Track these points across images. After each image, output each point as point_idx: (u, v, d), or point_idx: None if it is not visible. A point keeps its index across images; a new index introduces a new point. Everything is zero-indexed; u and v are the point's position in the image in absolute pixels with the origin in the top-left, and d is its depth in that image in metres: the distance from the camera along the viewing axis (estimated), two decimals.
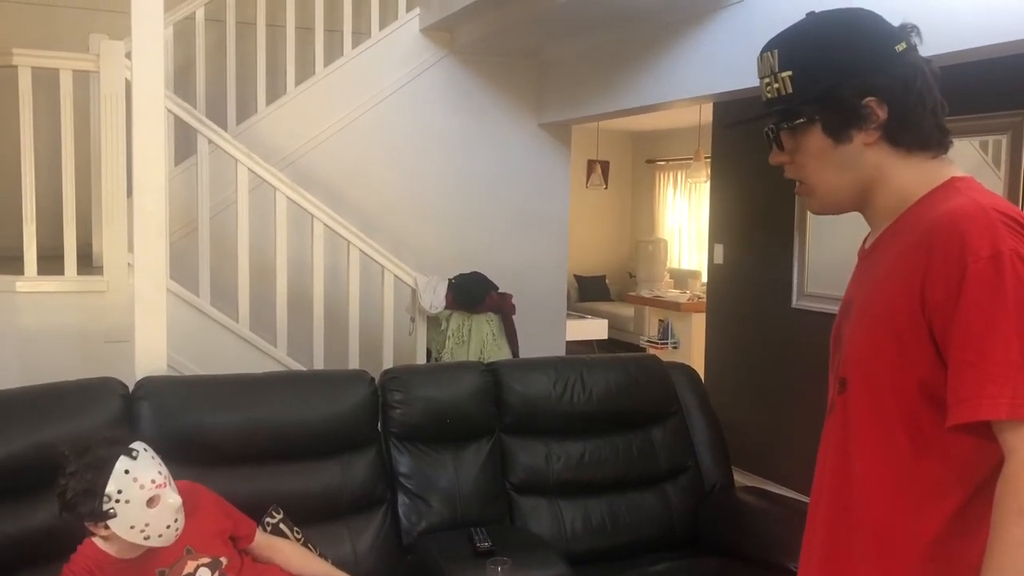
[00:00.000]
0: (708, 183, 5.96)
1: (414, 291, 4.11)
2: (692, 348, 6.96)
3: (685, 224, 9.39)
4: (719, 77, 3.57)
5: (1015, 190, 3.26)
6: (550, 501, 2.72)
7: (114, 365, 2.78)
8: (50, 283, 3.46)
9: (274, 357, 3.85)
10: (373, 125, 4.70)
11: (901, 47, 1.16)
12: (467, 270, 4.28)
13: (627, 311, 8.62)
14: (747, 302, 4.69)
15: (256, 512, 2.25)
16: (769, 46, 1.21)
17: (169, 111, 3.62)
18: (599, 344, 7.81)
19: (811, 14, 1.21)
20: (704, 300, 5.82)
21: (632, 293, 8.46)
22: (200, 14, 4.47)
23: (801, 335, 4.19)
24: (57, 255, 3.50)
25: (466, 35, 4.64)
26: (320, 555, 2.31)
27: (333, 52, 4.72)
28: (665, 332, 7.33)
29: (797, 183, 1.26)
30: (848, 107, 1.15)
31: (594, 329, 7.24)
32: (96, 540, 1.90)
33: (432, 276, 4.12)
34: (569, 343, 5.51)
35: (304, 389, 2.60)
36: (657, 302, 7.69)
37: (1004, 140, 3.32)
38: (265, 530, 2.24)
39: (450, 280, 4.13)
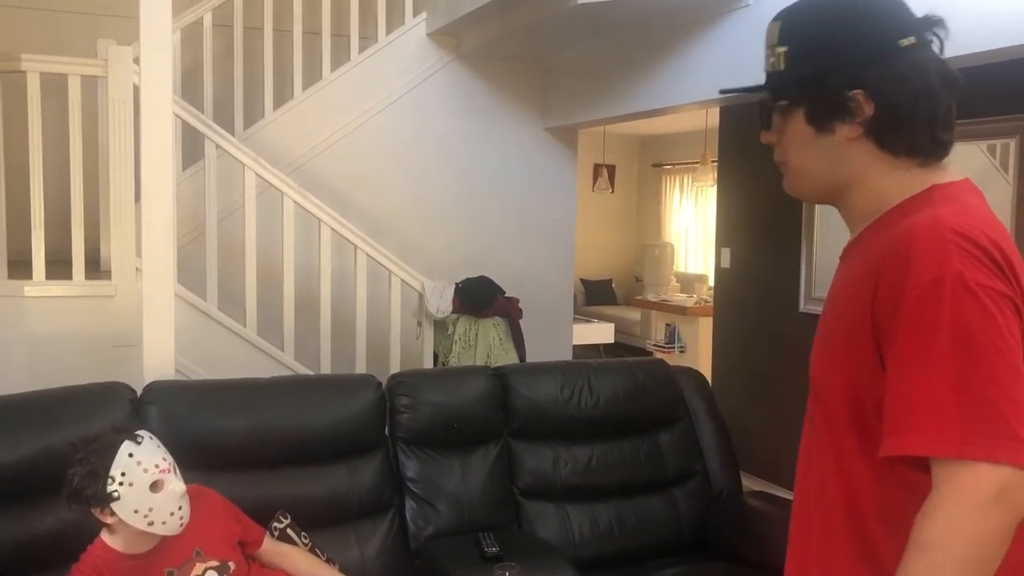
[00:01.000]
0: (715, 187, 5.95)
1: (421, 295, 4.11)
2: (699, 352, 6.95)
3: (691, 228, 9.38)
4: (726, 81, 3.55)
5: None
6: (557, 506, 2.72)
7: (122, 369, 2.79)
8: (58, 288, 3.47)
9: (281, 361, 3.86)
10: (380, 130, 4.70)
11: (908, 42, 1.08)
12: (474, 274, 4.28)
13: (634, 315, 8.62)
14: (754, 306, 4.68)
15: (263, 517, 2.25)
16: (778, 15, 1.15)
17: (177, 116, 3.63)
18: (605, 348, 7.81)
19: None
20: (711, 304, 5.81)
21: (639, 297, 8.45)
22: (208, 19, 4.48)
23: (808, 339, 4.12)
24: (65, 260, 3.51)
25: (472, 40, 4.65)
26: (327, 560, 2.31)
27: (340, 57, 4.73)
28: (672, 336, 7.31)
29: (780, 163, 1.20)
30: (833, 96, 1.08)
31: (600, 333, 7.23)
32: (104, 536, 1.91)
33: (439, 280, 4.12)
34: (575, 347, 5.51)
35: (311, 393, 2.60)
36: (664, 306, 7.67)
37: (1012, 144, 3.31)
38: (273, 535, 2.24)
39: (457, 284, 4.12)
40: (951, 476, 0.95)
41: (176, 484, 1.88)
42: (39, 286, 3.43)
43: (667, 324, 7.53)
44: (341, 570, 2.29)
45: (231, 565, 1.99)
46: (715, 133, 5.36)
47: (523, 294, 4.35)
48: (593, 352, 7.50)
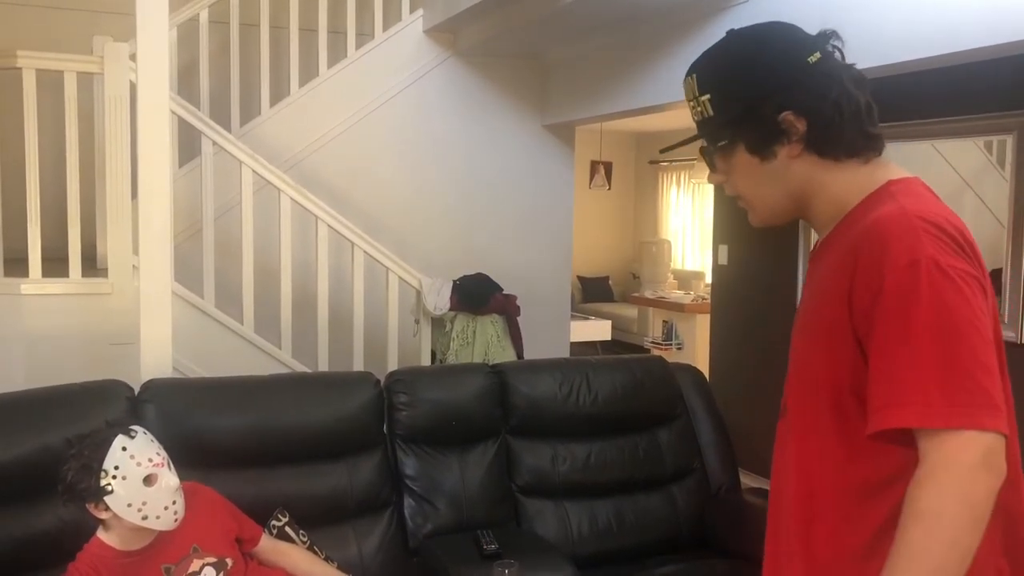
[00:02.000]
0: (712, 184, 5.94)
1: (418, 293, 4.11)
2: (696, 349, 6.96)
3: (688, 225, 9.38)
4: None
5: (1021, 190, 3.25)
6: (556, 503, 2.72)
7: (119, 368, 2.78)
8: (55, 285, 3.46)
9: (279, 359, 3.85)
10: (377, 127, 4.69)
11: (814, 58, 1.16)
12: (471, 271, 4.27)
13: (631, 312, 8.62)
14: (752, 303, 4.68)
15: (262, 515, 2.25)
16: (690, 70, 1.23)
17: (173, 113, 3.62)
18: (603, 345, 7.81)
19: (730, 32, 1.23)
20: (708, 301, 5.81)
21: (636, 294, 8.46)
22: (204, 16, 4.47)
23: None
24: (62, 257, 3.50)
25: (470, 37, 4.64)
26: (326, 558, 2.31)
27: (337, 54, 4.72)
28: (669, 333, 7.32)
29: (738, 198, 1.28)
30: (766, 124, 1.16)
31: (597, 330, 7.23)
32: (100, 534, 1.91)
33: (436, 278, 4.11)
34: (572, 344, 5.51)
35: (309, 391, 2.60)
36: (661, 303, 7.68)
37: (1009, 140, 3.31)
38: (271, 533, 2.24)
39: (455, 281, 4.12)
40: (939, 445, 1.00)
41: (170, 478, 1.88)
42: (35, 284, 3.42)
43: (664, 321, 7.53)
44: (340, 568, 2.29)
45: (228, 561, 1.99)
46: None
47: (521, 291, 4.34)
48: (590, 349, 7.50)
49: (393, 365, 3.97)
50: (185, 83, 4.52)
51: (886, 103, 1.20)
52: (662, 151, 1.39)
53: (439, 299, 4.04)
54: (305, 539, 2.30)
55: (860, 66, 1.21)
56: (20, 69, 3.39)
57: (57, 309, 3.44)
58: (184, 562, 1.94)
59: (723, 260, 4.91)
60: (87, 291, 3.49)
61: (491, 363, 3.19)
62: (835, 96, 1.14)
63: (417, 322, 4.19)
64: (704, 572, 2.61)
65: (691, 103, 1.24)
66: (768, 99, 1.16)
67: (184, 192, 4.03)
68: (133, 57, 3.26)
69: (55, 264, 3.52)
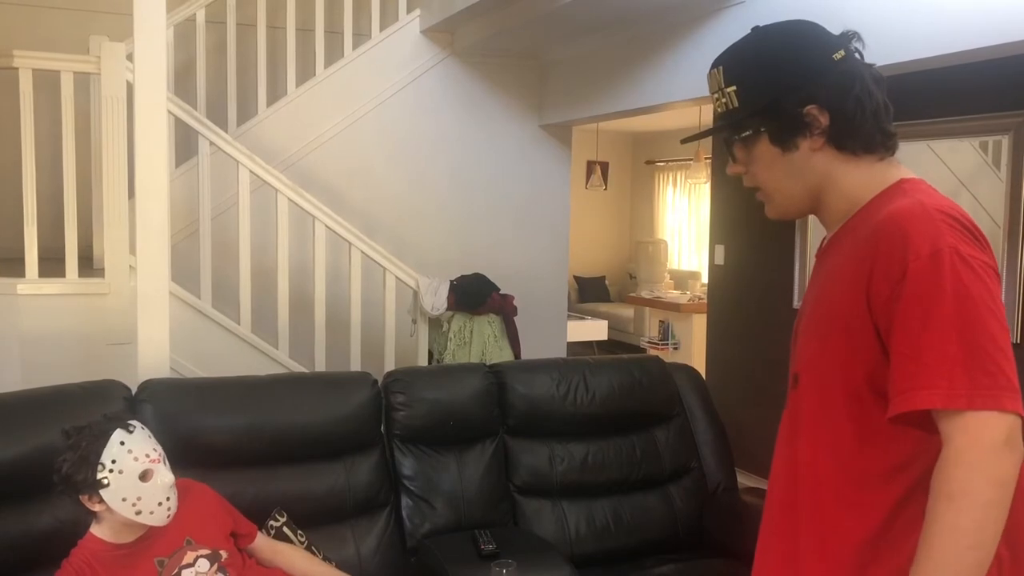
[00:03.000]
0: (708, 184, 5.96)
1: (416, 292, 4.11)
2: (692, 349, 6.97)
3: (685, 225, 9.39)
4: None
5: (1017, 190, 3.26)
6: (554, 503, 2.72)
7: (116, 368, 2.78)
8: (51, 285, 3.45)
9: (276, 359, 3.85)
10: (374, 127, 4.69)
11: (839, 55, 1.21)
12: (468, 271, 4.28)
13: (627, 312, 8.63)
14: (748, 303, 4.69)
15: (260, 515, 2.24)
16: (715, 63, 1.28)
17: (170, 113, 3.61)
18: (599, 345, 7.82)
19: (755, 28, 1.27)
20: (704, 301, 5.82)
21: (632, 294, 8.46)
22: (201, 16, 4.47)
23: None
24: (58, 257, 3.50)
25: (467, 36, 4.64)
26: (324, 558, 2.31)
27: (334, 54, 4.72)
28: (665, 333, 7.33)
29: (756, 190, 1.31)
30: (790, 117, 1.21)
31: (594, 330, 7.24)
32: (92, 528, 1.91)
33: (434, 278, 4.11)
34: (569, 344, 5.52)
35: (307, 391, 2.59)
36: (657, 303, 7.69)
37: (1005, 140, 3.32)
38: (269, 533, 2.24)
39: (452, 281, 4.12)
40: (964, 427, 1.04)
41: (165, 475, 1.88)
42: (32, 284, 3.42)
43: (661, 321, 7.54)
44: (338, 568, 2.29)
45: (223, 554, 1.99)
46: None
47: (517, 291, 4.35)
48: (587, 349, 7.51)
49: (390, 365, 3.97)
50: (182, 83, 4.52)
51: (888, 94, 1.24)
52: (683, 141, 1.42)
53: (436, 299, 4.04)
54: (303, 539, 2.30)
55: None
56: (16, 69, 3.39)
57: (54, 309, 3.44)
58: (178, 554, 1.94)
59: (719, 260, 4.92)
60: (84, 291, 3.49)
61: (488, 363, 3.19)
62: (857, 93, 1.19)
63: (414, 322, 4.19)
64: (701, 571, 2.61)
65: (715, 95, 1.28)
66: (794, 92, 1.20)
67: (181, 192, 4.03)
68: (130, 57, 3.25)
69: (52, 264, 3.52)
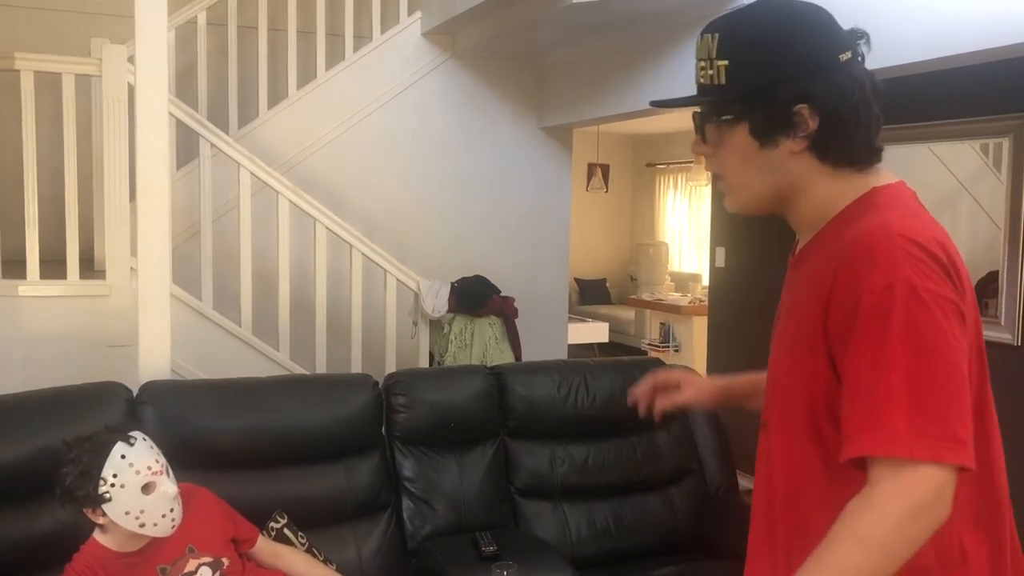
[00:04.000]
0: (709, 186, 5.96)
1: (417, 295, 4.11)
2: (693, 351, 6.97)
3: (686, 227, 9.40)
4: None
5: (1017, 193, 3.26)
6: (554, 505, 2.72)
7: (117, 370, 2.78)
8: (53, 287, 3.46)
9: (277, 361, 3.85)
10: (375, 129, 4.70)
11: (846, 56, 1.09)
12: (469, 273, 4.28)
13: (628, 314, 8.63)
14: (749, 305, 4.69)
15: (260, 516, 2.24)
16: (711, 27, 1.13)
17: (171, 115, 3.62)
18: (600, 347, 7.82)
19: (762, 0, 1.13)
20: (705, 303, 5.82)
21: (633, 296, 8.47)
22: (202, 18, 4.47)
23: None
24: (60, 259, 3.50)
25: (467, 39, 4.65)
26: (325, 560, 2.31)
27: (335, 56, 4.72)
28: (666, 335, 7.33)
29: (717, 177, 1.20)
30: (779, 112, 1.09)
31: (595, 332, 7.24)
32: (96, 535, 1.91)
33: (434, 280, 4.11)
34: (570, 346, 5.52)
35: (308, 393, 2.60)
36: (658, 305, 7.69)
37: (1006, 143, 3.32)
38: (270, 535, 2.24)
39: (453, 283, 4.12)
40: (897, 474, 0.98)
41: (168, 486, 1.87)
42: (33, 286, 3.42)
43: (662, 323, 7.55)
44: (338, 570, 2.29)
45: (224, 561, 1.99)
46: None
47: (518, 293, 4.35)
48: (588, 351, 7.51)
49: (391, 367, 3.97)
50: (183, 85, 4.52)
51: (882, 106, 1.16)
52: (653, 104, 1.26)
53: (437, 301, 4.04)
54: (304, 541, 2.30)
55: None
56: (18, 71, 3.39)
57: (55, 311, 3.44)
58: (180, 562, 1.94)
59: (720, 262, 4.92)
60: (85, 293, 3.49)
61: (489, 365, 3.19)
62: (856, 100, 1.09)
63: (415, 324, 4.19)
64: (702, 573, 2.61)
65: (702, 62, 1.14)
66: (789, 86, 1.08)
67: (182, 194, 4.03)
68: (131, 59, 3.26)
69: (53, 266, 3.52)
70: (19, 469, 2.09)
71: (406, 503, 2.58)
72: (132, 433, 1.90)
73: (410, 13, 4.78)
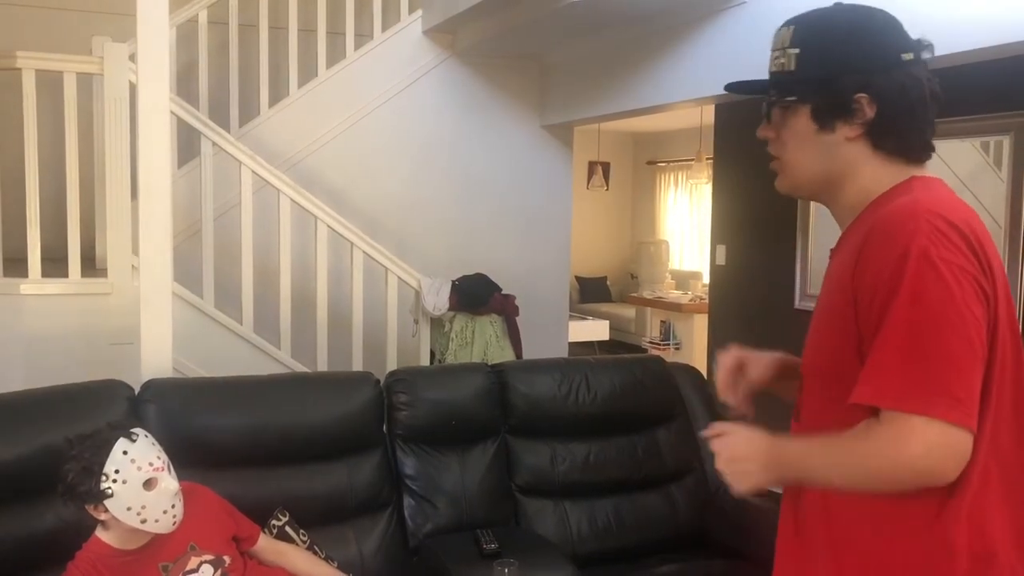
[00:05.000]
0: (709, 184, 5.97)
1: (418, 293, 4.11)
2: (694, 349, 6.97)
3: (686, 225, 9.40)
4: (722, 78, 3.56)
5: (1017, 190, 3.26)
6: (556, 503, 2.72)
7: (119, 368, 2.78)
8: (54, 285, 3.46)
9: (278, 359, 3.85)
10: (376, 127, 4.70)
11: (908, 56, 1.18)
12: (470, 272, 4.28)
13: (628, 312, 8.63)
14: (749, 303, 4.69)
15: (262, 515, 2.25)
16: (789, 21, 1.24)
17: (173, 113, 3.62)
18: (601, 345, 7.82)
19: (838, 3, 1.24)
20: (706, 301, 5.82)
21: (633, 294, 8.47)
22: (203, 16, 4.47)
23: (803, 336, 4.18)
24: (61, 258, 3.51)
25: (468, 37, 4.65)
26: (326, 558, 2.31)
27: (335, 54, 4.72)
28: (667, 333, 7.34)
29: (772, 158, 1.29)
30: (839, 98, 1.18)
31: (595, 330, 7.24)
32: (98, 533, 1.92)
33: (435, 278, 4.12)
34: (571, 344, 5.52)
35: (309, 391, 2.60)
36: (659, 303, 7.69)
37: (1006, 141, 3.32)
38: (271, 533, 2.24)
39: (453, 282, 4.13)
40: (891, 422, 1.06)
41: (170, 482, 1.88)
42: (35, 284, 3.42)
43: (662, 321, 7.55)
44: (340, 568, 2.29)
45: (226, 559, 1.99)
46: (710, 130, 5.37)
47: (519, 291, 4.35)
48: (588, 350, 7.51)
49: (392, 365, 3.97)
50: (184, 84, 4.53)
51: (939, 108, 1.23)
52: (728, 88, 1.36)
53: (438, 299, 4.04)
54: (305, 539, 2.31)
55: None
56: (20, 70, 3.39)
57: (57, 309, 3.44)
58: (181, 560, 1.94)
59: (721, 260, 4.92)
60: (87, 291, 3.49)
61: (490, 363, 3.20)
62: (912, 98, 1.17)
63: (416, 322, 4.20)
64: (702, 571, 2.62)
65: (776, 52, 1.24)
66: (851, 76, 1.17)
67: (183, 192, 4.03)
68: (133, 57, 3.27)
69: (55, 264, 3.53)
70: (22, 467, 2.10)
71: (407, 501, 2.58)
72: (134, 429, 1.91)
73: (411, 11, 4.78)
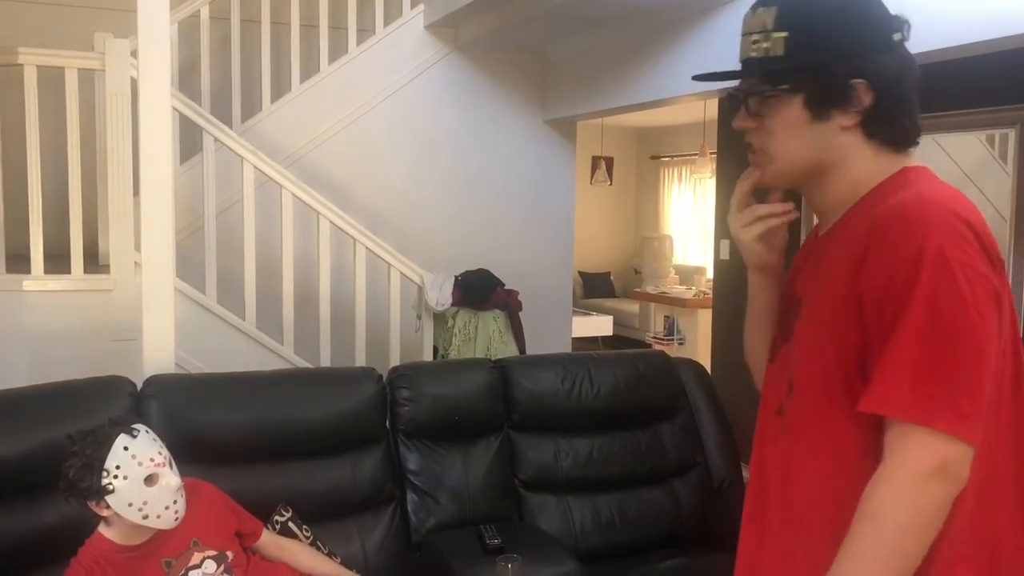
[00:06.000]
0: (713, 179, 5.95)
1: (420, 288, 4.11)
2: (698, 344, 6.96)
3: (690, 220, 9.38)
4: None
5: (1023, 183, 3.25)
6: (559, 498, 2.72)
7: (121, 364, 2.78)
8: (57, 282, 3.46)
9: (281, 355, 3.85)
10: (378, 122, 4.69)
11: (898, 36, 1.12)
12: (473, 267, 4.27)
13: (632, 307, 8.62)
14: None
15: (265, 510, 2.25)
16: (766, 1, 1.14)
17: (175, 109, 3.62)
18: (604, 341, 7.81)
19: None
20: (709, 296, 5.81)
21: (637, 289, 8.45)
22: (205, 12, 4.47)
23: None
24: (64, 254, 3.51)
25: (470, 32, 4.64)
26: (329, 554, 2.31)
27: (337, 49, 4.71)
28: (671, 328, 7.32)
29: (752, 150, 1.21)
30: (836, 84, 1.10)
31: (599, 326, 7.24)
32: (101, 529, 1.92)
33: (438, 273, 4.11)
34: (574, 340, 5.51)
35: (312, 387, 2.60)
36: (662, 298, 7.68)
37: (1012, 134, 3.30)
38: (274, 528, 2.24)
39: (456, 277, 4.12)
40: (897, 445, 1.01)
41: (171, 478, 1.88)
42: (38, 280, 3.42)
43: (666, 316, 7.54)
44: (343, 563, 2.30)
45: (229, 554, 1.99)
46: (713, 125, 5.35)
47: (522, 287, 4.34)
48: (592, 345, 7.51)
49: (395, 361, 3.97)
50: (186, 79, 4.52)
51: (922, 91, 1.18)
52: (695, 78, 1.26)
53: (441, 294, 4.04)
54: (308, 534, 2.31)
55: None
56: (21, 66, 3.39)
57: (59, 305, 3.44)
58: (184, 555, 1.94)
59: (724, 255, 4.91)
60: (89, 287, 3.49)
61: (493, 358, 3.19)
62: (908, 83, 1.12)
63: (419, 317, 4.19)
64: (706, 566, 2.61)
65: (757, 35, 1.14)
66: (848, 60, 1.09)
67: (186, 188, 4.03)
68: (134, 53, 3.26)
69: (57, 261, 3.52)
70: (25, 463, 2.10)
71: (410, 496, 2.58)
72: (135, 425, 1.91)
73: (413, 6, 4.77)
